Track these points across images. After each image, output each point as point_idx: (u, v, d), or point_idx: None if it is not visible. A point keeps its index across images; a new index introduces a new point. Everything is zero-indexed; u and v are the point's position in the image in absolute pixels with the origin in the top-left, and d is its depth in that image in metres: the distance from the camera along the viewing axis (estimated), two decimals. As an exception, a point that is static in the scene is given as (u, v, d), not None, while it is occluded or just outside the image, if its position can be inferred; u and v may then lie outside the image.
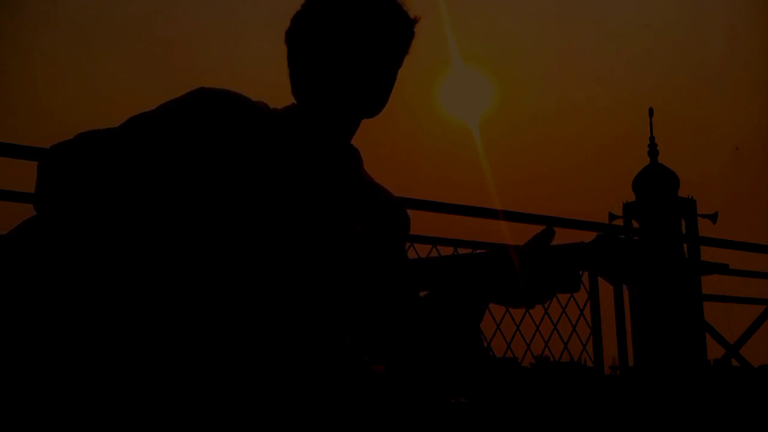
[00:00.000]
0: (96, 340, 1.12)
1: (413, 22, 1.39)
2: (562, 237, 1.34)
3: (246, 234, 1.23)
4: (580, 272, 1.26)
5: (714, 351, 4.40)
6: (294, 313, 1.22)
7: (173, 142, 1.24)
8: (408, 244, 2.90)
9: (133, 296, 1.16)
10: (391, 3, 1.38)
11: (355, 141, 1.46)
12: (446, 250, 3.23)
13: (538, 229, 1.30)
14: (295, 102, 1.39)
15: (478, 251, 1.31)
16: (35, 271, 1.15)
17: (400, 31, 1.38)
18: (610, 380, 3.93)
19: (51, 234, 1.18)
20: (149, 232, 1.20)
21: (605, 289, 3.63)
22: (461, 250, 3.24)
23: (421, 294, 1.37)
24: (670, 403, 3.78)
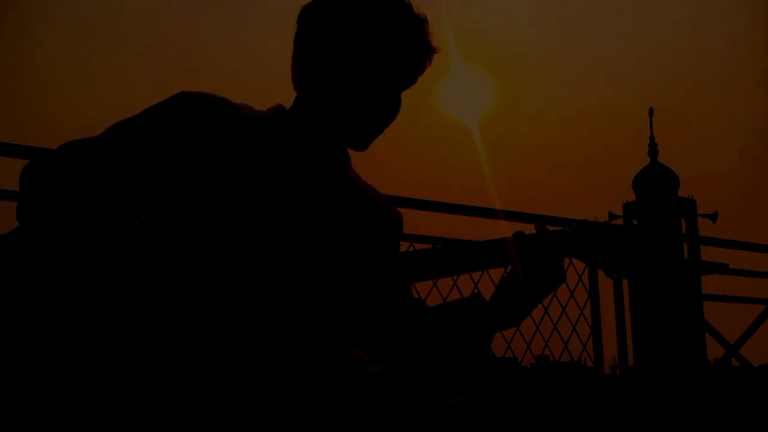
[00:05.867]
0: (96, 343, 1.13)
1: (432, 52, 1.35)
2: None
3: (236, 238, 1.23)
4: (571, 262, 1.32)
5: (714, 351, 4.40)
6: (291, 315, 1.22)
7: (156, 147, 1.24)
8: (408, 244, 2.90)
9: (130, 300, 1.16)
10: (421, 30, 1.33)
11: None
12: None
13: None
14: (290, 103, 1.38)
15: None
16: (33, 276, 1.15)
17: (419, 62, 1.35)
18: (614, 380, 3.93)
19: (41, 240, 1.18)
20: (140, 236, 1.20)
21: (605, 289, 3.63)
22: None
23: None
24: (670, 403, 3.78)
